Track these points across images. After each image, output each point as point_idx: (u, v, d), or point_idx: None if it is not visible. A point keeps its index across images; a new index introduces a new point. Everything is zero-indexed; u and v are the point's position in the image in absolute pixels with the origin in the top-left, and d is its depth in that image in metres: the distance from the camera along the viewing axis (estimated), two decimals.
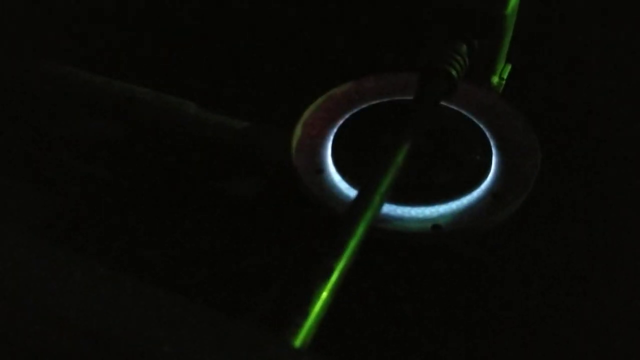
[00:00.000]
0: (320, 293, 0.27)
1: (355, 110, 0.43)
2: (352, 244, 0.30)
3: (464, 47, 0.43)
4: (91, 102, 0.47)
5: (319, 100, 0.44)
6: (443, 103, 0.42)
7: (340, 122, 0.43)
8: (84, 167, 0.46)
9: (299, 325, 0.25)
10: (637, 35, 0.56)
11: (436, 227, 0.36)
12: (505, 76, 0.48)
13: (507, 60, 0.49)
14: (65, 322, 0.23)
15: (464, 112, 0.43)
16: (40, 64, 0.49)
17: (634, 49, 0.55)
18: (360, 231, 0.31)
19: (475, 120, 0.42)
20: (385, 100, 0.44)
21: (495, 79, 0.47)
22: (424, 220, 0.36)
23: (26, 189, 0.45)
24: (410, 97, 0.42)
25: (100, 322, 0.24)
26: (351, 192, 0.38)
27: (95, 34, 0.58)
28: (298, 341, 0.24)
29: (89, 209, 0.45)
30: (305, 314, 0.25)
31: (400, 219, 0.37)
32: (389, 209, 0.37)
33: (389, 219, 0.36)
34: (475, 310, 0.38)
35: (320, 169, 0.40)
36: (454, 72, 0.40)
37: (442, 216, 0.37)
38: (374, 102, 0.44)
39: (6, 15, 0.60)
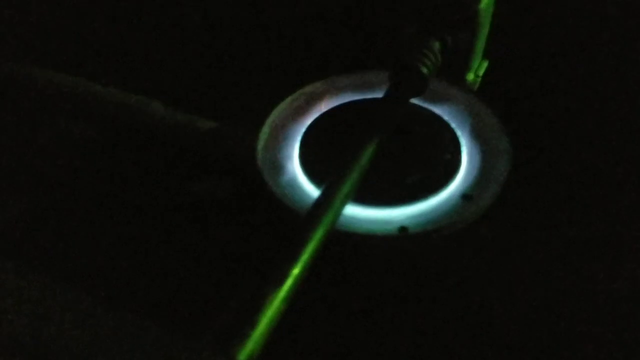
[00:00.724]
0: (272, 301, 0.26)
1: (324, 110, 0.42)
2: (310, 248, 0.29)
3: (437, 44, 0.42)
4: (55, 101, 0.46)
5: (288, 100, 0.43)
6: (414, 101, 0.41)
7: (309, 121, 0.42)
8: (48, 168, 0.45)
9: (245, 337, 0.23)
10: (617, 38, 0.55)
11: (403, 229, 0.35)
12: (481, 73, 0.47)
13: (484, 57, 0.48)
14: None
15: (435, 110, 0.42)
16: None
17: (613, 51, 0.54)
18: (319, 235, 0.30)
19: (447, 119, 0.41)
20: (355, 98, 0.43)
21: (470, 76, 0.46)
22: (391, 222, 0.35)
23: None
24: (381, 96, 0.41)
25: (35, 336, 0.23)
26: (318, 194, 0.37)
27: (59, 31, 0.56)
28: (243, 355, 0.23)
29: (52, 210, 0.43)
30: (253, 325, 0.24)
31: (366, 220, 0.35)
32: (353, 210, 0.36)
33: (354, 220, 0.35)
34: (445, 315, 0.37)
35: (287, 170, 0.39)
36: (424, 70, 0.39)
37: (409, 218, 0.36)
38: (343, 101, 0.43)
39: None
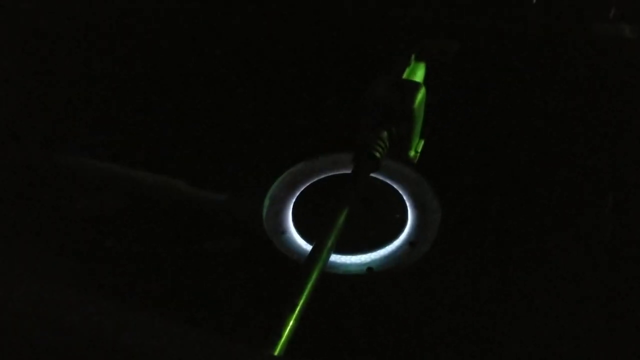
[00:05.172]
0: (289, 321, 0.40)
1: (308, 184, 0.58)
2: (309, 286, 0.44)
3: (385, 133, 0.58)
4: (100, 182, 0.60)
5: (281, 177, 0.58)
6: (372, 175, 0.58)
7: (298, 192, 0.57)
8: (90, 235, 0.58)
9: (275, 342, 0.38)
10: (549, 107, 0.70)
11: (369, 269, 0.50)
12: (419, 150, 0.64)
13: (421, 137, 0.65)
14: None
15: (388, 181, 0.58)
16: (61, 156, 0.62)
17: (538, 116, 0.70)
18: (314, 276, 0.45)
19: (396, 187, 0.57)
20: (330, 174, 0.59)
21: (412, 153, 0.63)
22: (361, 264, 0.51)
23: (42, 254, 0.56)
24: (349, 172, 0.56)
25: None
26: (308, 247, 0.52)
27: (94, 122, 0.71)
28: (275, 352, 0.37)
29: (94, 268, 0.56)
30: (279, 335, 0.39)
31: (344, 264, 0.51)
32: (335, 257, 0.51)
33: (336, 265, 0.50)
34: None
35: (284, 231, 0.54)
36: (377, 154, 0.55)
37: (373, 261, 0.51)
38: (322, 177, 0.59)
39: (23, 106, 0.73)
